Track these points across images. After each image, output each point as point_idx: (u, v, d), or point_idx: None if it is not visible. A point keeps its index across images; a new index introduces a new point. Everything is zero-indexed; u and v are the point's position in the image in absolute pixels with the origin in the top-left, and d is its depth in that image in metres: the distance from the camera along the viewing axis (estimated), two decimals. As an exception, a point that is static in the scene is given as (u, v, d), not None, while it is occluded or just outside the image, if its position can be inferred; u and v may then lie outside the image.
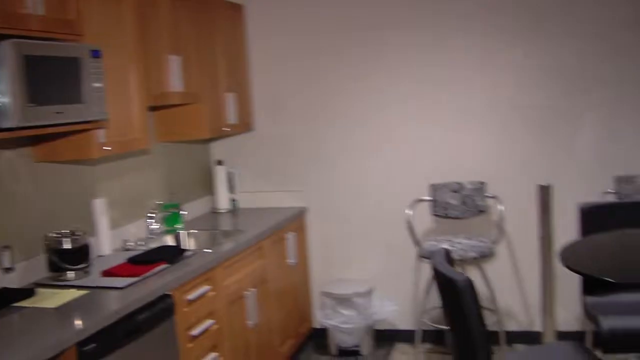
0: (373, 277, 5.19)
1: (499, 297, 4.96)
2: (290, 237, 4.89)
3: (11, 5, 2.90)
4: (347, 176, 5.17)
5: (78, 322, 2.80)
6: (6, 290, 3.20)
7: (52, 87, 2.99)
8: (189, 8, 4.39)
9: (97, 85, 3.26)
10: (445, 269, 2.40)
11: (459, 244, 4.53)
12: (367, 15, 5.00)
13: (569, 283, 4.90)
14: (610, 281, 2.41)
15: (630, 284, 2.37)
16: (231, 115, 4.87)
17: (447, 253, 2.69)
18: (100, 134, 3.46)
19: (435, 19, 4.89)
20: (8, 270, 3.31)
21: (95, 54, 3.25)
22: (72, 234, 3.47)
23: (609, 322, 3.11)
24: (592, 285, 3.53)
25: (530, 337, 5.02)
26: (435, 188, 4.81)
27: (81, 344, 2.73)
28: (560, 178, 4.80)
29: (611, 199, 4.67)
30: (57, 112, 3.01)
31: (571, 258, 2.78)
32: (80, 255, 3.46)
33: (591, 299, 3.49)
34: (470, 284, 2.29)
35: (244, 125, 5.14)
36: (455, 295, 2.29)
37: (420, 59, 4.96)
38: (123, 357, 2.99)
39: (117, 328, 2.96)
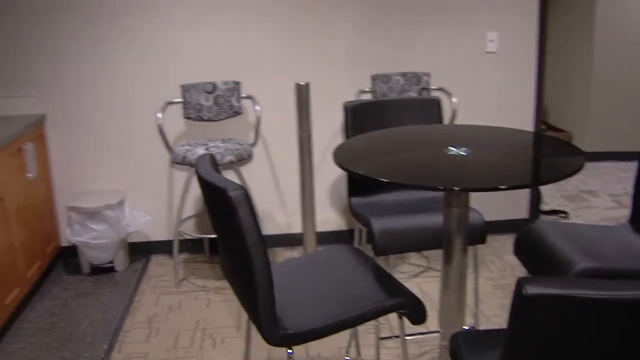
0: (124, 188, 4.85)
1: (258, 202, 4.84)
2: (29, 148, 4.38)
3: None
4: (90, 77, 4.68)
5: None
6: None
7: None
8: None
9: None
10: (215, 177, 2.16)
11: (215, 147, 4.30)
12: None
13: (331, 184, 4.91)
14: (382, 181, 2.30)
15: (406, 185, 2.27)
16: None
17: (213, 158, 2.45)
18: None
19: None
20: None
21: None
22: None
23: (379, 224, 3.06)
24: (359, 186, 3.48)
25: (290, 240, 4.98)
26: (186, 89, 4.51)
27: None
28: (317, 77, 4.71)
29: (368, 97, 4.67)
30: None
31: (343, 157, 2.65)
32: None
33: (358, 200, 3.44)
34: (246, 195, 2.07)
35: (-34, 22, 4.47)
36: (229, 207, 2.07)
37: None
38: None
39: None
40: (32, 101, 4.69)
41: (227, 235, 2.23)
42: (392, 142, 2.95)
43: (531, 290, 1.50)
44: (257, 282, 2.15)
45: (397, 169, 2.54)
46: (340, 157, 2.69)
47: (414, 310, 2.43)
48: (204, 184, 2.25)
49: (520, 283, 1.52)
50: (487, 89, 4.87)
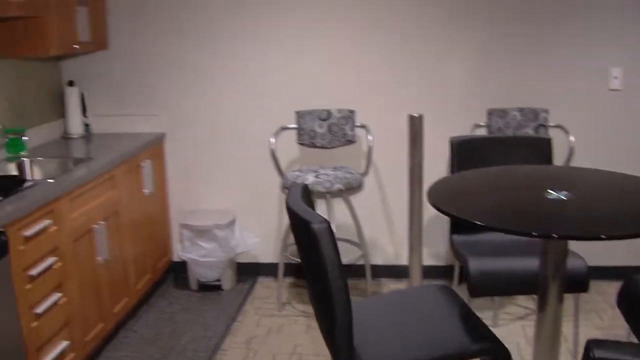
0: (235, 208, 4.96)
1: (366, 231, 4.84)
2: (146, 166, 4.56)
3: None
4: (209, 101, 4.84)
5: None
6: None
7: None
8: None
9: None
10: (301, 209, 2.18)
11: (325, 175, 4.34)
12: None
13: (439, 217, 4.84)
14: (474, 223, 2.26)
15: (498, 228, 2.21)
16: (83, 31, 4.43)
17: (306, 188, 2.47)
18: None
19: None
20: None
21: None
22: None
23: (477, 264, 3.00)
24: (461, 224, 3.42)
25: (397, 271, 4.95)
26: (301, 115, 4.57)
27: None
28: (432, 109, 4.68)
29: (482, 132, 4.59)
30: None
31: (438, 196, 2.62)
32: None
33: (459, 238, 3.38)
34: (329, 229, 2.08)
35: (98, 42, 4.70)
36: (311, 239, 2.08)
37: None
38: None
39: None
40: (153, 120, 4.88)
41: (309, 265, 2.24)
42: (492, 182, 2.88)
43: (599, 354, 1.43)
44: (336, 314, 2.15)
45: (491, 210, 2.48)
46: (436, 194, 2.65)
47: (498, 357, 2.37)
48: (291, 214, 2.28)
49: (589, 345, 1.45)
50: (608, 128, 4.68)
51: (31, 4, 3.87)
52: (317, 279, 2.18)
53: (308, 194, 2.47)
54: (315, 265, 2.14)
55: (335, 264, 2.10)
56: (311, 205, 2.40)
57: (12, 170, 4.03)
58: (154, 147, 4.75)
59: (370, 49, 4.67)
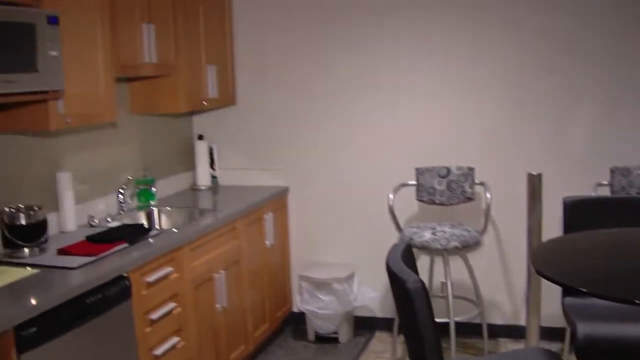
0: (354, 262, 5.03)
1: (483, 289, 4.79)
2: (269, 218, 4.72)
3: (-43, -36, 2.72)
4: (330, 156, 4.98)
5: (20, 304, 2.65)
6: (-46, 266, 3.06)
7: (2, 55, 2.81)
8: (168, -25, 4.20)
9: (53, 53, 3.08)
10: (398, 267, 2.23)
11: (442, 232, 4.35)
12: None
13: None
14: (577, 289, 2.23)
15: (601, 295, 2.18)
16: (212, 88, 4.68)
17: (408, 248, 2.51)
18: (59, 105, 3.27)
19: (420, 3, 4.68)
20: (-41, 245, 3.17)
21: (53, 20, 3.07)
22: (29, 209, 3.31)
23: (585, 329, 2.94)
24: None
25: (515, 331, 4.85)
26: (420, 172, 4.62)
27: (20, 327, 2.58)
28: (551, 167, 4.62)
29: (605, 191, 4.48)
30: (7, 81, 2.84)
31: (543, 260, 2.60)
32: (36, 231, 3.30)
33: (570, 301, 3.32)
34: (422, 287, 2.11)
35: (226, 99, 4.95)
36: (406, 297, 2.12)
37: (409, 43, 4.75)
38: (69, 342, 2.83)
39: (63, 311, 2.80)
40: (278, 174, 5.07)
41: (404, 322, 2.28)
42: (602, 245, 2.83)
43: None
44: (431, 373, 2.17)
45: (599, 275, 2.44)
46: (542, 257, 2.63)
47: None
48: (389, 272, 2.33)
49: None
50: None
51: (164, 64, 4.14)
52: (412, 337, 2.21)
53: (410, 253, 2.52)
54: (410, 323, 2.18)
55: (428, 323, 2.13)
56: (412, 264, 2.45)
57: (142, 218, 4.28)
58: (278, 200, 4.92)
59: (489, 107, 4.68)
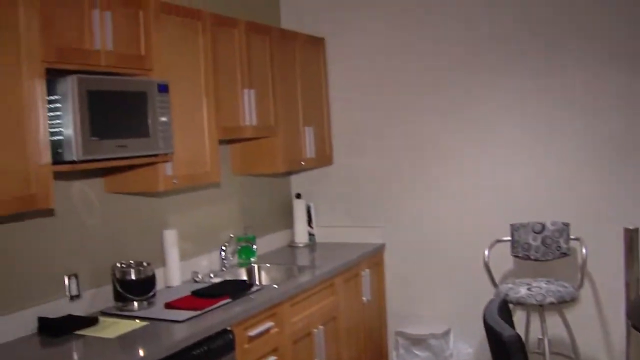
0: (449, 318, 5.04)
1: (581, 345, 4.72)
2: (366, 274, 4.81)
3: (81, 42, 2.99)
4: (425, 213, 5.06)
5: (130, 355, 2.81)
6: (71, 317, 3.27)
7: (116, 121, 3.05)
8: (267, 42, 4.43)
9: (163, 119, 3.31)
10: (494, 321, 2.29)
11: (538, 288, 4.34)
12: (451, 51, 4.90)
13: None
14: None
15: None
16: (309, 148, 4.86)
17: (504, 303, 2.57)
18: (168, 167, 3.49)
19: (521, 60, 4.75)
20: (74, 297, 3.39)
21: (162, 88, 3.30)
22: (139, 265, 3.51)
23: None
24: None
25: (616, 389, 4.76)
26: (515, 228, 4.64)
27: (132, 377, 2.74)
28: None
29: None
30: (120, 146, 3.07)
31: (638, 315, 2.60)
32: (145, 286, 3.49)
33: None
34: (519, 341, 2.17)
35: (323, 158, 5.12)
36: (503, 350, 2.18)
37: (507, 100, 4.81)
38: (176, 392, 2.98)
39: (171, 363, 2.96)
40: (374, 232, 5.17)
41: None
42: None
43: None
44: None
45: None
46: (635, 314, 2.64)
47: None
48: (486, 326, 2.39)
49: None
50: None
51: (264, 127, 4.35)
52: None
53: (507, 308, 2.57)
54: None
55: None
56: (509, 319, 2.50)
57: (243, 274, 4.45)
58: (374, 256, 5.01)
59: (583, 163, 4.67)
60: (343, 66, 5.21)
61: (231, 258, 4.51)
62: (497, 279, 4.77)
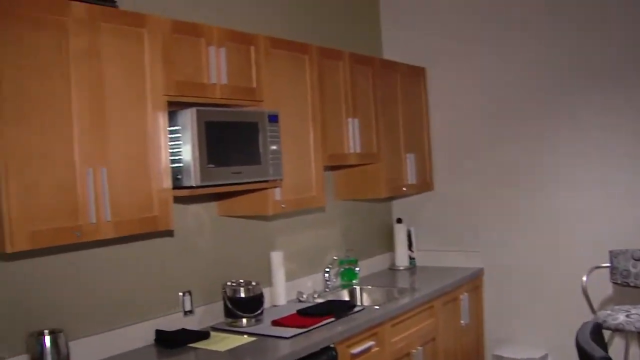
0: (547, 343, 5.06)
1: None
2: (464, 298, 4.90)
3: (198, 76, 3.26)
4: (524, 238, 5.10)
5: (240, 368, 3.02)
6: (184, 331, 3.51)
7: (231, 150, 3.30)
8: (370, 72, 4.61)
9: (273, 147, 3.54)
10: (586, 343, 2.38)
11: (637, 315, 4.34)
12: (551, 78, 4.95)
13: None
14: None
15: None
16: (411, 175, 5.00)
17: (597, 326, 2.65)
18: (277, 192, 3.72)
19: (626, 83, 4.76)
20: (188, 312, 3.64)
21: (273, 118, 3.53)
22: (248, 283, 3.73)
23: None
24: None
25: None
26: (614, 255, 4.65)
27: (242, 388, 2.95)
28: None
29: None
30: (235, 173, 3.30)
31: None
32: (253, 304, 3.71)
33: None
34: (608, 360, 2.26)
35: (424, 185, 5.25)
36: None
37: (608, 125, 4.81)
38: (282, 404, 3.17)
39: (279, 376, 3.15)
40: (473, 256, 5.25)
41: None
42: None
43: None
44: None
45: None
46: None
47: None
48: (578, 348, 2.48)
49: None
50: None
51: (367, 154, 4.53)
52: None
53: (599, 332, 2.65)
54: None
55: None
56: (601, 342, 2.58)
57: (345, 295, 4.62)
58: (473, 281, 5.10)
59: (689, 191, 4.65)
60: (443, 95, 5.34)
61: (334, 279, 4.69)
62: (595, 306, 4.77)
